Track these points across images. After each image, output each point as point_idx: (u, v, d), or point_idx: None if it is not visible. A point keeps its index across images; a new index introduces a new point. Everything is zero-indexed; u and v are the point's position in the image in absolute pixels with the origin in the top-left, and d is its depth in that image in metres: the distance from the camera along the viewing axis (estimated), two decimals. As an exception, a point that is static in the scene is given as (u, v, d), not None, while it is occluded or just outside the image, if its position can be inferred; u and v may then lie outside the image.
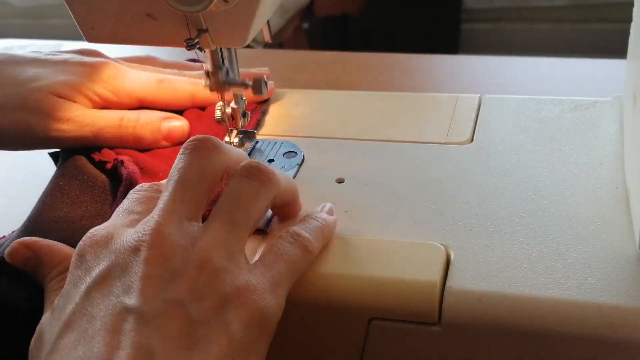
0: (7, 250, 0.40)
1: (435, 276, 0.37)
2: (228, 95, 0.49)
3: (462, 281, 0.37)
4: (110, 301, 0.33)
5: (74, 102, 0.49)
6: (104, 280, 0.34)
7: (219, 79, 0.48)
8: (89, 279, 0.35)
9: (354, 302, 0.38)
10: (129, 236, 0.35)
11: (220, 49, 0.47)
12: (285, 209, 0.43)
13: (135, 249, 0.34)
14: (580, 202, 0.42)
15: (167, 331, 0.33)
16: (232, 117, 0.50)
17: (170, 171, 0.38)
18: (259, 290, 0.35)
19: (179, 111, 0.53)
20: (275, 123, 0.55)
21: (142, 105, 0.53)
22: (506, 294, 0.36)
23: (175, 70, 0.55)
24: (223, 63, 0.47)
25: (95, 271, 0.35)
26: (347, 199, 0.45)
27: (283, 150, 0.50)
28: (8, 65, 0.50)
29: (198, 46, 0.44)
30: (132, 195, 0.40)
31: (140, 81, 0.52)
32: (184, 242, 0.35)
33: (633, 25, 0.45)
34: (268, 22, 0.48)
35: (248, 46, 0.48)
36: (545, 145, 0.48)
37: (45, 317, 0.36)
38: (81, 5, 0.44)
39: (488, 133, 0.50)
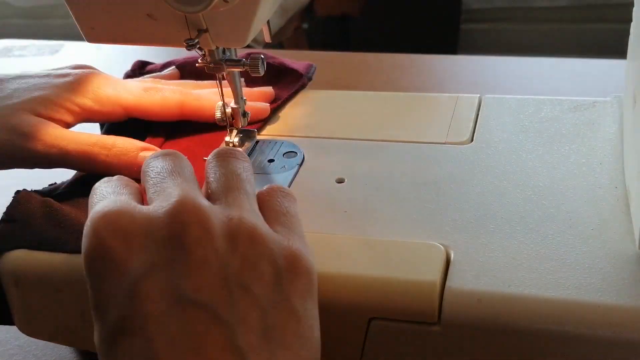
0: None
1: (435, 276, 0.37)
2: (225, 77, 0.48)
3: (462, 281, 0.37)
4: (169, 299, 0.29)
5: (50, 118, 0.47)
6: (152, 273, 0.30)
7: (215, 58, 0.47)
8: (130, 276, 0.30)
9: (354, 302, 0.38)
10: (158, 212, 0.31)
11: (221, 49, 0.47)
12: None
13: (173, 228, 0.30)
14: (580, 202, 0.42)
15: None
16: (232, 117, 0.50)
17: (147, 173, 0.36)
18: (304, 253, 0.33)
19: (167, 123, 0.52)
20: (275, 123, 0.55)
21: (128, 115, 0.51)
22: (506, 294, 0.36)
23: (170, 81, 0.54)
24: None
25: (137, 264, 0.30)
26: (347, 199, 0.45)
27: (283, 150, 0.50)
28: None
29: (198, 46, 0.44)
30: (105, 184, 0.36)
31: (125, 89, 0.50)
32: (219, 212, 0.32)
33: (633, 25, 0.45)
34: (268, 22, 0.48)
35: (248, 46, 0.48)
36: (545, 145, 0.48)
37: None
38: (81, 5, 0.44)
39: (488, 133, 0.50)
